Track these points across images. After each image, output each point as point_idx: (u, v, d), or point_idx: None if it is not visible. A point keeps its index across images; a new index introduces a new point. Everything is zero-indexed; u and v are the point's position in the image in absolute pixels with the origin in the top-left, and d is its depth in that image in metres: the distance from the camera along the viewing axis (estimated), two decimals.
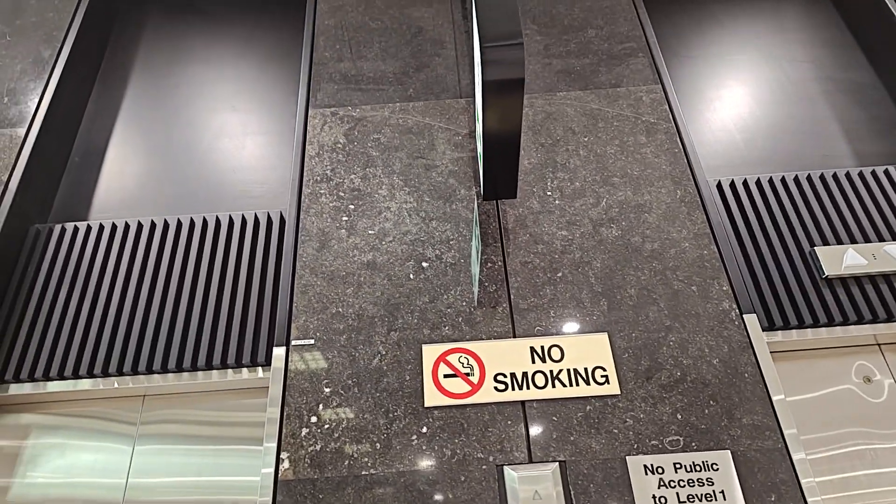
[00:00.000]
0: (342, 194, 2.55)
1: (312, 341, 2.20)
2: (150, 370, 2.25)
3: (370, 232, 2.44)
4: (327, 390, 2.10)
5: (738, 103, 3.02)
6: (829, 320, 2.28)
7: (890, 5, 3.06)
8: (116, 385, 2.26)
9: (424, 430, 2.01)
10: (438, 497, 1.88)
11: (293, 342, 2.19)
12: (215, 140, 2.98)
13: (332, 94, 2.83)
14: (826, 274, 2.35)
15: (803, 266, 2.39)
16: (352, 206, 2.51)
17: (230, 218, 2.57)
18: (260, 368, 2.28)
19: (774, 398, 2.01)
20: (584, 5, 3.11)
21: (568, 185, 2.53)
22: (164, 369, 2.25)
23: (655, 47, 2.96)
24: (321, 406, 2.08)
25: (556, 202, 2.48)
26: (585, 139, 2.67)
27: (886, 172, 2.62)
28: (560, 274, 2.30)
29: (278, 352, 2.20)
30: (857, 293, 2.32)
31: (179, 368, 2.25)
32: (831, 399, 2.28)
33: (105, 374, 2.26)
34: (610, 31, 3.03)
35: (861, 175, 2.62)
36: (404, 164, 2.62)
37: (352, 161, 2.64)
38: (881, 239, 2.46)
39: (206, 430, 2.27)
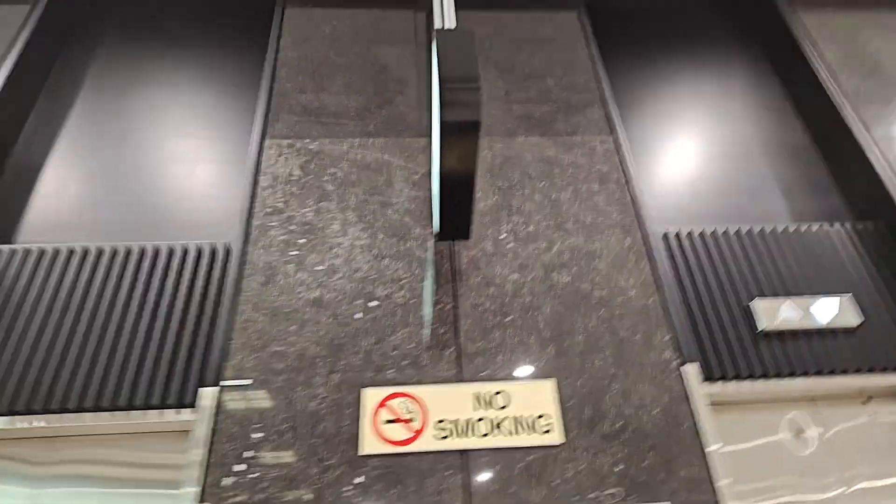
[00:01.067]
0: (293, 228, 2.51)
1: (250, 381, 2.12)
2: (63, 409, 2.10)
3: (319, 268, 2.40)
4: (258, 435, 2.03)
5: (686, 158, 3.13)
6: (764, 373, 2.34)
7: (825, 75, 3.25)
8: (26, 425, 2.10)
9: (359, 480, 1.95)
10: None
11: (226, 382, 2.11)
12: (164, 166, 2.90)
13: (291, 126, 2.81)
14: (762, 327, 2.43)
15: (742, 318, 2.47)
16: (302, 241, 2.47)
17: (170, 248, 2.48)
18: (188, 410, 2.17)
19: (709, 450, 2.03)
20: (544, 55, 3.19)
21: (522, 229, 2.55)
22: (80, 408, 2.11)
23: (610, 100, 3.06)
24: (250, 453, 1.99)
25: (510, 245, 2.50)
26: (541, 184, 2.71)
27: (820, 229, 2.74)
28: (510, 318, 2.31)
29: (207, 392, 2.10)
30: (791, 347, 2.41)
31: (97, 408, 2.11)
32: (765, 451, 2.34)
33: (11, 412, 2.10)
34: (569, 81, 3.12)
35: (797, 231, 2.74)
36: (360, 200, 2.60)
37: (306, 194, 2.60)
38: (814, 293, 2.56)
39: (124, 472, 2.13)
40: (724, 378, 2.32)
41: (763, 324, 2.44)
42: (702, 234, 2.69)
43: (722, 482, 1.98)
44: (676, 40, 3.67)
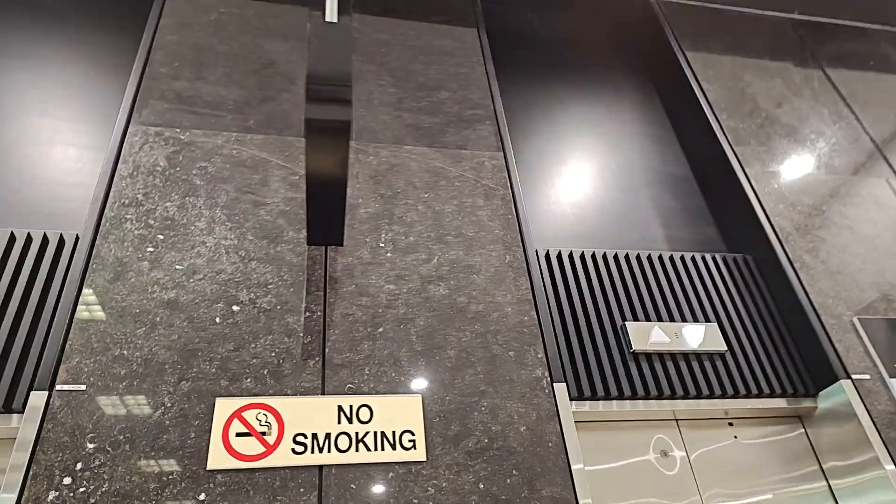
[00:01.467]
0: (152, 222, 2.29)
1: (84, 387, 1.88)
2: None
3: (178, 267, 2.20)
4: (91, 446, 1.79)
5: (572, 181, 3.19)
6: (632, 393, 2.37)
7: (708, 112, 3.44)
8: None
9: (203, 497, 1.76)
10: None
11: (57, 387, 1.86)
12: (15, 145, 2.59)
13: (161, 113, 2.59)
14: (633, 349, 2.48)
15: (614, 339, 2.50)
16: (160, 237, 2.26)
17: (11, 234, 2.20)
18: (15, 415, 1.91)
19: (574, 468, 2.01)
20: (440, 68, 3.17)
21: (402, 239, 2.47)
22: None
23: (502, 117, 3.07)
24: (79, 465, 1.76)
25: (388, 255, 2.41)
26: (425, 195, 2.65)
27: (693, 258, 2.86)
28: (381, 329, 2.20)
29: (37, 396, 1.85)
30: (660, 369, 2.46)
31: None
32: (630, 470, 2.36)
33: None
34: (462, 95, 3.11)
35: (671, 258, 2.84)
36: (230, 198, 2.42)
37: (170, 187, 2.40)
38: (684, 319, 2.65)
39: None
40: (592, 397, 2.33)
41: (635, 345, 2.48)
42: (581, 256, 2.73)
43: (584, 501, 1.95)
44: (572, 67, 3.78)
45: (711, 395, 2.46)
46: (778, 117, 3.55)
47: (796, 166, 3.29)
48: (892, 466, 2.24)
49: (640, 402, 2.40)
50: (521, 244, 2.58)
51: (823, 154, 3.42)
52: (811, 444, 2.57)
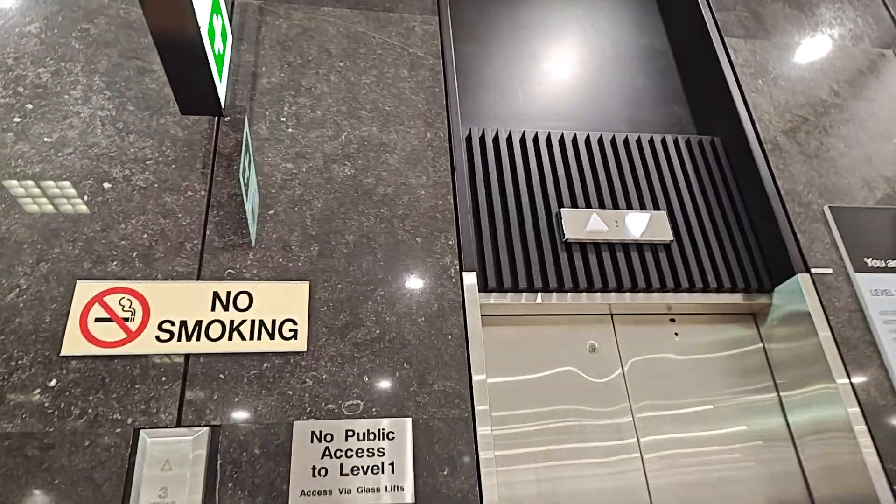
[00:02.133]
0: (21, 90, 2.04)
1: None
2: None
3: (46, 140, 1.97)
4: None
5: (526, 53, 2.82)
6: (559, 286, 2.16)
7: None
8: None
9: (52, 383, 1.63)
10: (49, 465, 1.53)
11: None
12: None
13: None
14: (566, 237, 2.23)
15: (546, 228, 2.26)
16: (29, 106, 2.01)
17: None
18: None
19: (474, 364, 1.84)
20: None
21: (307, 113, 2.19)
22: None
23: None
24: None
25: (289, 130, 2.15)
26: (341, 64, 2.33)
27: (651, 141, 2.54)
28: (273, 211, 1.98)
29: None
30: (594, 260, 2.23)
31: None
32: (552, 370, 2.19)
33: None
34: None
35: (626, 141, 2.52)
36: (113, 64, 2.14)
37: (45, 51, 2.12)
38: (630, 207, 2.38)
39: None
40: (514, 289, 2.12)
41: (568, 234, 2.24)
42: (519, 137, 2.43)
43: (480, 405, 1.79)
44: None
45: (649, 289, 2.23)
46: None
47: (786, 35, 2.85)
48: (845, 379, 2.02)
49: (569, 294, 2.18)
50: (445, 121, 2.29)
51: (823, 21, 2.96)
52: (763, 348, 2.36)
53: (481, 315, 1.96)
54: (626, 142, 2.53)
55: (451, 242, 2.04)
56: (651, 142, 2.55)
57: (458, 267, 2.00)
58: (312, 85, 2.26)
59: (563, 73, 2.80)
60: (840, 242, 2.28)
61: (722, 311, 2.39)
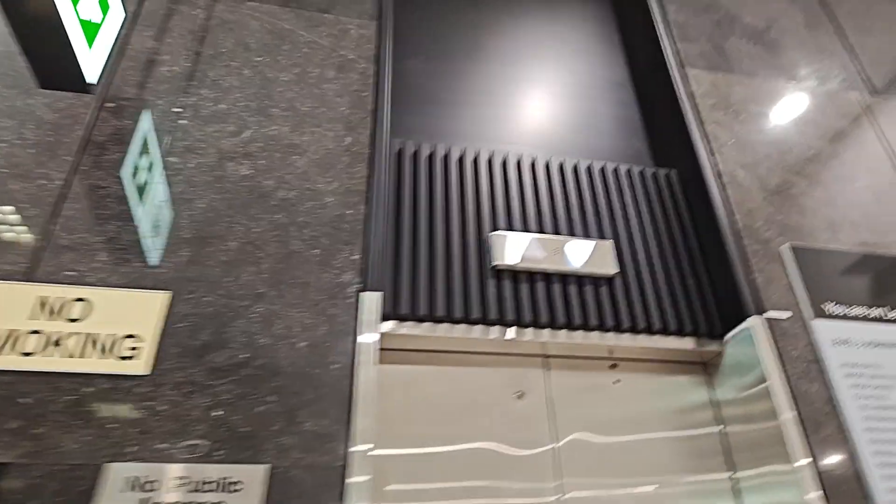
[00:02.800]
0: None
1: None
2: None
3: None
4: None
5: (476, 74, 2.61)
6: (482, 317, 1.87)
7: (654, 5, 2.83)
8: None
9: None
10: None
11: None
12: None
13: None
14: (494, 263, 1.96)
15: (476, 253, 1.98)
16: None
17: None
18: None
19: (360, 399, 1.52)
20: None
21: (209, 106, 1.94)
22: None
23: None
24: None
25: (183, 122, 1.88)
26: (258, 59, 2.10)
27: (603, 169, 2.31)
28: (143, 209, 1.69)
29: None
30: (526, 290, 1.95)
31: None
32: (467, 412, 1.87)
33: None
34: None
35: (576, 168, 2.29)
36: None
37: None
38: (573, 235, 2.12)
39: None
40: (428, 318, 1.83)
41: (496, 259, 1.96)
42: (461, 157, 2.18)
43: (363, 444, 1.47)
44: None
45: (587, 327, 1.94)
46: (740, 15, 2.92)
47: (750, 70, 2.69)
48: (802, 459, 1.72)
49: (494, 329, 1.89)
50: (370, 127, 2.04)
51: (789, 60, 2.81)
52: (710, 401, 2.06)
53: (382, 348, 1.67)
54: (575, 168, 2.30)
55: (354, 257, 1.75)
56: (603, 170, 2.32)
57: (358, 285, 1.70)
58: (221, 77, 2.01)
59: (517, 99, 2.60)
60: (799, 284, 2.03)
61: (669, 357, 2.11)
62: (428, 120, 2.41)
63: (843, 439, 1.75)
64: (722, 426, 2.01)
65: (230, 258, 1.66)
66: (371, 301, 1.68)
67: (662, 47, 2.67)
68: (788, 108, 2.58)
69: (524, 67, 2.70)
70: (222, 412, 1.43)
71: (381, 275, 1.79)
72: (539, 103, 2.61)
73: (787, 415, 1.75)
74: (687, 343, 2.03)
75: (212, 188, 1.77)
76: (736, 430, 1.95)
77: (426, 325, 1.83)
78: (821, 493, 1.63)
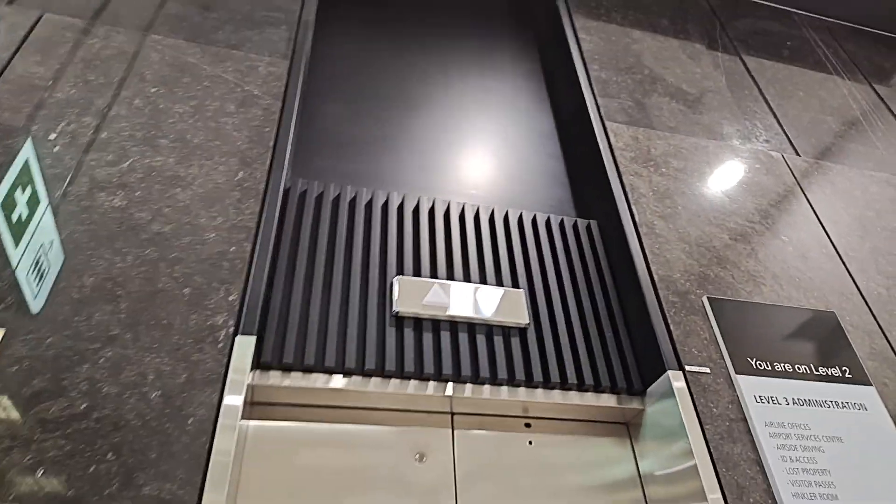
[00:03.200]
0: None
1: None
2: None
3: None
4: None
5: (396, 121, 2.55)
6: (378, 367, 1.70)
7: (576, 57, 2.86)
8: None
9: None
10: None
11: None
12: None
13: None
14: (396, 310, 1.81)
15: (377, 299, 1.83)
16: None
17: None
18: None
19: (216, 459, 1.31)
20: None
21: (88, 133, 1.79)
22: None
23: (308, 24, 2.44)
24: None
25: (56, 149, 1.72)
26: (154, 90, 1.98)
27: (520, 218, 2.23)
28: None
29: None
30: (430, 340, 1.79)
31: None
32: (351, 479, 1.66)
33: None
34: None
35: (492, 215, 2.20)
36: None
37: None
38: (483, 282, 2.00)
39: None
40: (315, 369, 1.65)
41: (399, 306, 1.82)
42: (369, 200, 2.07)
43: None
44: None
45: (495, 381, 1.79)
46: (663, 76, 2.98)
47: (671, 126, 2.70)
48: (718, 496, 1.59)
49: (393, 381, 1.72)
50: (267, 163, 1.92)
51: (711, 119, 2.85)
52: (637, 469, 1.91)
53: (257, 402, 1.47)
54: (491, 215, 2.21)
55: (232, 298, 1.58)
56: (520, 218, 2.24)
57: (232, 328, 1.52)
58: (107, 105, 1.88)
59: (440, 146, 2.54)
60: (720, 338, 1.94)
61: (587, 416, 1.96)
62: (342, 163, 2.32)
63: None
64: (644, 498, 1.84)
65: (82, 296, 1.47)
66: (245, 346, 1.50)
67: (585, 101, 2.67)
68: (710, 163, 2.59)
69: (449, 117, 2.66)
70: (43, 472, 1.21)
71: (264, 319, 1.62)
72: (462, 151, 2.56)
73: (713, 490, 1.60)
74: (605, 400, 1.89)
75: (75, 219, 1.60)
76: (657, 493, 1.79)
77: (313, 376, 1.65)
78: None
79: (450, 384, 1.77)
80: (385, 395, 1.72)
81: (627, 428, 2.00)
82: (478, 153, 2.56)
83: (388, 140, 2.46)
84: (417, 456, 1.75)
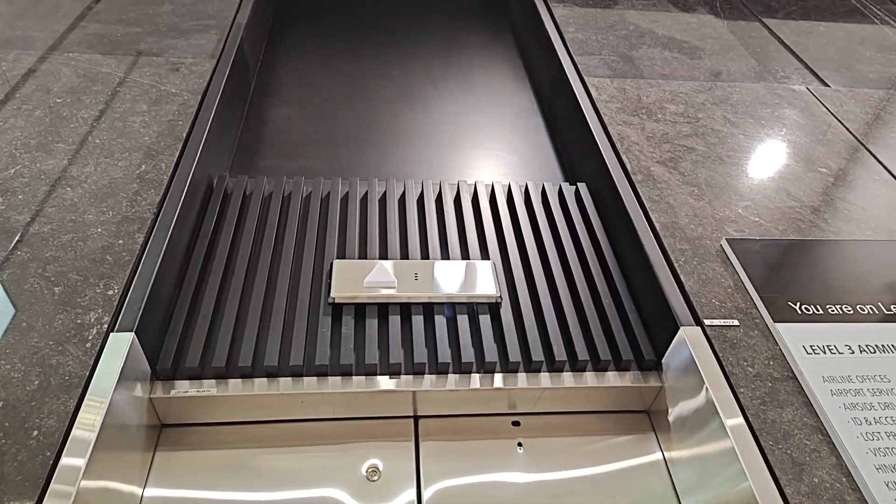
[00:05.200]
0: None
1: None
2: None
3: None
4: None
5: (340, 114, 2.32)
6: (306, 366, 1.36)
7: (549, 27, 2.59)
8: None
9: None
10: None
11: None
12: None
13: None
14: (333, 297, 1.49)
15: (311, 288, 1.53)
16: None
17: None
18: None
19: (57, 487, 1.00)
20: None
21: None
22: None
23: (239, 27, 2.28)
24: None
25: None
26: (59, 100, 1.81)
27: (492, 187, 1.90)
28: None
29: None
30: (373, 328, 1.45)
31: None
32: None
33: None
34: (193, 9, 2.34)
35: (459, 189, 1.89)
36: None
37: None
38: (446, 258, 1.66)
39: None
40: (229, 373, 1.33)
41: (336, 292, 1.50)
42: (310, 192, 1.81)
43: None
44: None
45: (460, 369, 1.42)
46: (652, 29, 2.65)
47: (664, 73, 2.35)
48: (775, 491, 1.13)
49: (316, 380, 1.38)
50: (176, 154, 1.68)
51: (711, 62, 2.48)
52: (666, 465, 1.46)
53: (162, 424, 1.15)
54: (458, 194, 1.89)
55: (111, 293, 1.30)
56: (492, 189, 1.91)
57: (106, 325, 1.23)
58: (6, 119, 1.71)
59: (409, 138, 2.27)
60: (747, 283, 1.50)
61: (593, 405, 1.53)
62: (290, 162, 2.07)
63: (845, 484, 1.14)
64: None
65: None
66: (120, 344, 1.20)
67: (562, 63, 2.37)
68: (718, 103, 2.20)
69: (421, 108, 2.41)
70: None
71: (156, 318, 1.33)
72: (434, 140, 2.28)
73: (759, 479, 1.15)
74: (611, 380, 1.47)
75: None
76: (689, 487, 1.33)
77: (229, 382, 1.33)
78: None
79: (403, 377, 1.41)
80: (320, 398, 1.37)
81: (649, 416, 1.56)
82: (452, 140, 2.27)
83: (349, 136, 2.22)
84: (369, 470, 1.38)
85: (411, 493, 1.34)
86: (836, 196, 1.85)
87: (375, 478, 1.36)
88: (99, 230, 1.43)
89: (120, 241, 1.41)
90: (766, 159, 1.97)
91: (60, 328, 1.22)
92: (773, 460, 1.16)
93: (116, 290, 1.30)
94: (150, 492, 1.26)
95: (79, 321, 1.24)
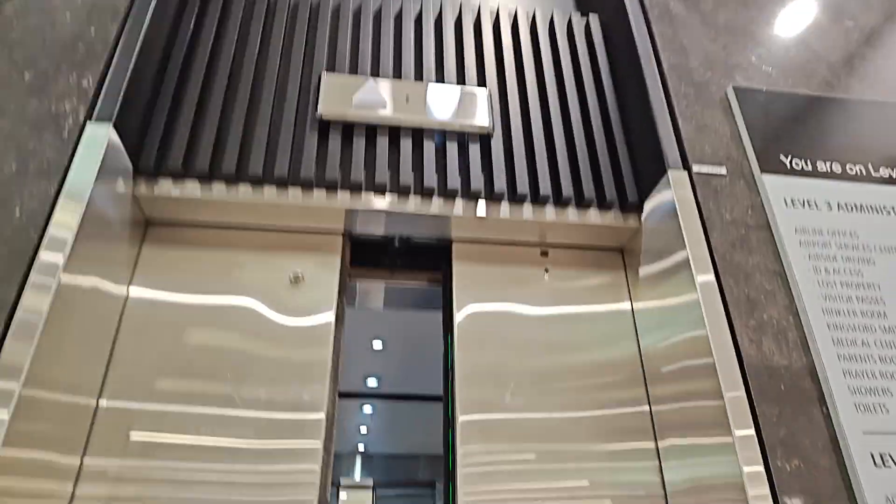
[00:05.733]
0: None
1: None
2: None
3: None
4: None
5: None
6: (285, 178, 1.36)
7: None
8: None
9: None
10: None
11: None
12: None
13: None
14: (320, 113, 1.44)
15: (298, 100, 1.47)
16: None
17: None
18: None
19: (46, 246, 1.03)
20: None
21: None
22: None
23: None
24: None
25: None
26: None
27: (497, 14, 1.76)
28: None
29: None
30: (363, 149, 1.43)
31: None
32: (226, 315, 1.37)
33: None
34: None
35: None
36: None
37: None
38: (441, 82, 1.58)
39: None
40: (214, 176, 1.32)
41: (323, 109, 1.44)
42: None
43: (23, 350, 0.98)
44: None
45: (445, 192, 1.42)
46: None
47: None
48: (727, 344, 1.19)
49: (307, 192, 1.38)
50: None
51: None
52: (630, 299, 1.54)
53: (146, 220, 1.15)
54: (459, 15, 1.75)
55: (86, 84, 1.24)
56: (497, 12, 1.77)
57: (82, 115, 1.20)
58: None
59: None
60: (743, 133, 1.47)
61: (569, 240, 1.57)
62: None
63: (790, 322, 1.21)
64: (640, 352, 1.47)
65: None
66: (98, 134, 1.17)
67: None
68: None
69: None
70: None
71: (136, 113, 1.28)
72: None
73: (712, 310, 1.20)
74: (591, 217, 1.49)
75: None
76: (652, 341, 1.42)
77: (213, 186, 1.33)
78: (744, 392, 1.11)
79: (389, 196, 1.41)
80: (285, 207, 1.38)
81: (622, 255, 1.61)
82: None
83: None
84: (293, 277, 1.43)
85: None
86: (856, 52, 1.75)
87: (296, 282, 1.42)
88: (67, 18, 1.33)
89: (92, 29, 1.32)
90: (793, 6, 1.83)
91: (33, 116, 1.18)
92: (731, 297, 1.22)
93: (91, 81, 1.24)
94: (136, 290, 1.31)
95: (53, 109, 1.20)
